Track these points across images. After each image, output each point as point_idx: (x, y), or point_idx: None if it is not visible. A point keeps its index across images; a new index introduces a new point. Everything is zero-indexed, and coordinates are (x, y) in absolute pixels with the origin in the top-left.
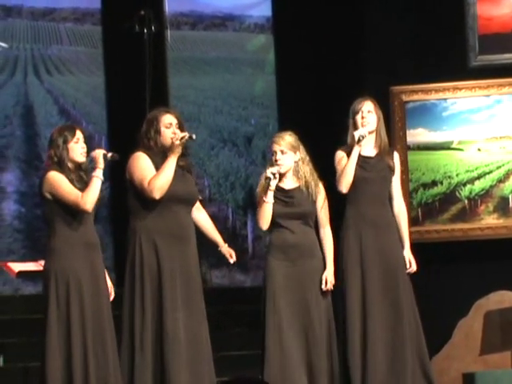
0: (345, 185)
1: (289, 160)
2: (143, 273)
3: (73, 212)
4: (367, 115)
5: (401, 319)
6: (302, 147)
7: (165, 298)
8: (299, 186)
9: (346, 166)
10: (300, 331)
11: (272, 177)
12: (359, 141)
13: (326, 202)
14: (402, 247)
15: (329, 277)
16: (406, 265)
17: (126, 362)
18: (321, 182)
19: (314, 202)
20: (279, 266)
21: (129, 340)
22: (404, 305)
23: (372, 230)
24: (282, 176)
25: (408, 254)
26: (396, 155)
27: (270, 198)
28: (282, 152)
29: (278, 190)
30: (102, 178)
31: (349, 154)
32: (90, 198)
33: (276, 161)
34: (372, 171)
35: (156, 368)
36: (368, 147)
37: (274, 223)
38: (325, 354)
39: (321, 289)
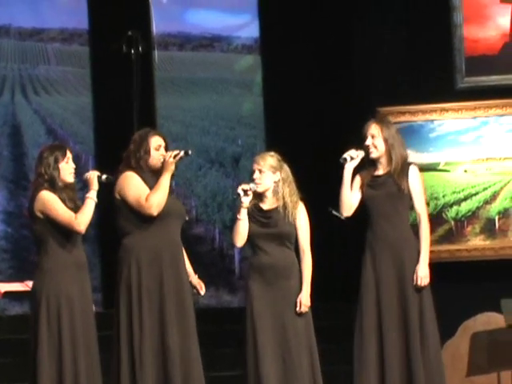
0: (343, 209)
1: (267, 180)
2: (141, 290)
3: (65, 232)
4: (371, 141)
5: (412, 340)
6: (285, 168)
7: (165, 314)
8: (277, 207)
9: (340, 191)
10: (277, 354)
11: (242, 193)
12: (343, 164)
13: (307, 223)
14: (417, 263)
15: (303, 299)
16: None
17: (128, 380)
18: (302, 203)
19: (292, 223)
20: (257, 288)
21: (128, 358)
22: (415, 325)
23: (385, 247)
24: (261, 196)
25: (418, 268)
26: (413, 169)
27: (242, 215)
28: (260, 171)
29: (257, 209)
30: (95, 199)
31: (365, 177)
32: (84, 219)
33: (253, 179)
34: (379, 189)
35: (159, 382)
36: (381, 168)
37: (253, 244)
38: (305, 376)
39: (296, 310)
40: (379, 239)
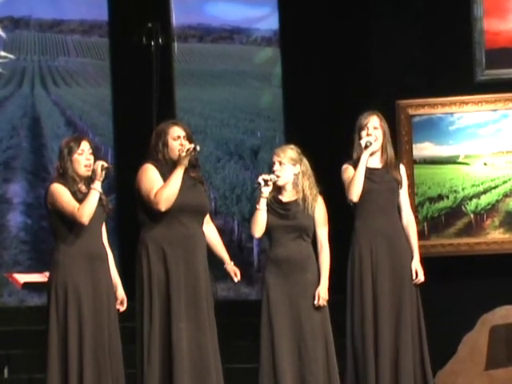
0: (355, 193)
1: (287, 172)
2: (151, 284)
3: (72, 224)
4: (373, 131)
5: (404, 331)
6: (304, 161)
7: (171, 309)
8: (297, 199)
9: (355, 175)
10: (293, 346)
11: (263, 183)
12: (366, 147)
13: (326, 216)
14: (412, 258)
15: (321, 293)
16: (412, 276)
17: (140, 374)
18: (321, 197)
19: (311, 216)
20: (273, 280)
21: (140, 351)
22: (408, 318)
23: (382, 241)
24: (281, 188)
25: (416, 264)
26: (402, 168)
27: (262, 206)
28: (280, 163)
29: (276, 202)
30: (99, 189)
31: (355, 168)
32: (86, 211)
33: (273, 171)
34: (379, 183)
35: (164, 379)
36: (374, 161)
37: (270, 236)
38: (320, 370)
39: (314, 303)
40: (376, 233)
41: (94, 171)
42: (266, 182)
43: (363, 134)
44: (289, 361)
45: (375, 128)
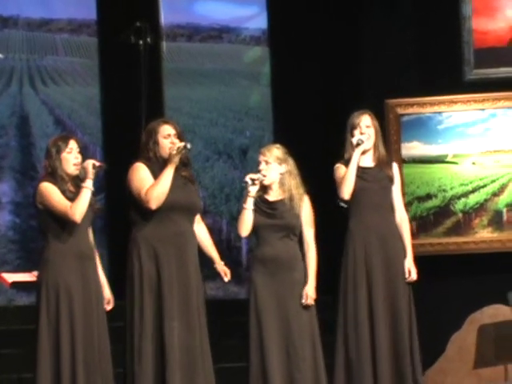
0: (346, 191)
1: (273, 171)
2: (142, 282)
3: (63, 223)
4: (366, 130)
5: (399, 329)
6: (290, 160)
7: (163, 308)
8: (283, 199)
9: (347, 172)
10: (281, 345)
11: (250, 182)
12: (358, 145)
13: (312, 215)
14: (405, 256)
15: (309, 292)
16: (405, 274)
17: (130, 373)
18: (307, 196)
19: (298, 216)
20: (260, 280)
21: (130, 351)
22: (403, 314)
23: (376, 239)
24: (267, 188)
25: (409, 263)
26: (395, 166)
27: (249, 205)
28: (267, 163)
29: (263, 201)
30: (91, 188)
31: (347, 167)
32: (78, 209)
33: (260, 170)
34: (372, 181)
35: (156, 378)
36: (367, 160)
37: (257, 235)
38: (307, 368)
39: (301, 302)
40: (371, 231)
41: (83, 170)
42: (253, 181)
43: (356, 132)
44: (278, 360)
45: (367, 127)
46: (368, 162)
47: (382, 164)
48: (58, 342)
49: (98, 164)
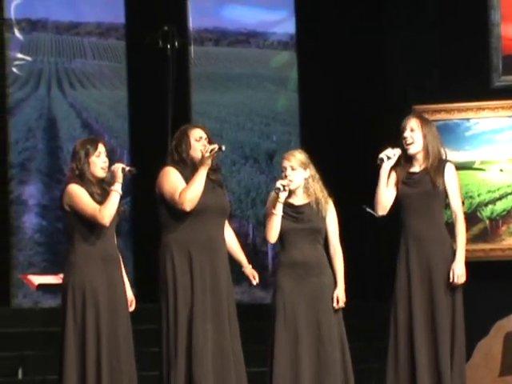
0: (379, 208)
1: (298, 177)
2: (176, 286)
3: (91, 225)
4: (409, 134)
5: (440, 341)
6: (311, 165)
7: (196, 311)
8: (309, 203)
9: (376, 191)
10: (310, 348)
11: (282, 188)
12: (381, 162)
13: (336, 218)
14: (452, 261)
15: (340, 295)
16: (449, 279)
17: (166, 376)
18: (331, 199)
19: (324, 219)
20: (288, 284)
21: (166, 354)
22: (444, 324)
23: (418, 246)
24: (291, 193)
25: (454, 266)
26: (449, 167)
27: (278, 211)
28: (292, 168)
29: (288, 206)
30: (120, 191)
31: (400, 174)
32: (107, 212)
33: (286, 176)
34: (414, 187)
35: (187, 381)
36: (416, 164)
37: (283, 240)
38: (338, 371)
39: (332, 306)
40: (412, 237)
41: (111, 173)
42: (283, 187)
43: (405, 134)
44: (307, 364)
45: (412, 130)
46: (418, 166)
47: (431, 168)
48: (83, 345)
49: (127, 168)
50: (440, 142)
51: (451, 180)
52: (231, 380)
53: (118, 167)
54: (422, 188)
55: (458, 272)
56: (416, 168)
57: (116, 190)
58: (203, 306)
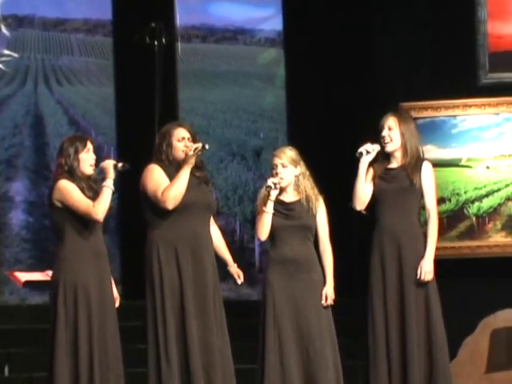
0: (357, 203)
1: (289, 174)
2: (162, 282)
3: (83, 221)
4: (387, 133)
5: (409, 337)
6: (302, 162)
7: (185, 307)
8: (300, 200)
9: (355, 184)
10: (300, 346)
11: (273, 186)
12: (358, 158)
13: (326, 216)
14: (422, 257)
15: (329, 292)
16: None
17: (154, 373)
18: (321, 197)
19: (314, 216)
20: (278, 281)
21: (155, 350)
22: (412, 320)
23: (392, 241)
24: (282, 190)
25: (422, 263)
26: (426, 166)
27: (269, 208)
28: (283, 165)
29: (279, 203)
30: (112, 187)
31: (377, 170)
32: (101, 208)
33: (277, 174)
34: (390, 182)
35: (182, 376)
36: (394, 161)
37: (274, 237)
38: (329, 367)
39: (321, 303)
40: (387, 233)
41: (102, 170)
42: (275, 185)
43: (383, 133)
44: (296, 361)
45: (390, 129)
46: (395, 163)
47: (408, 165)
48: (75, 341)
49: (120, 164)
50: (418, 139)
51: (427, 179)
52: (216, 376)
53: (109, 163)
54: (399, 184)
55: (426, 269)
56: (393, 164)
57: (108, 186)
58: (190, 302)
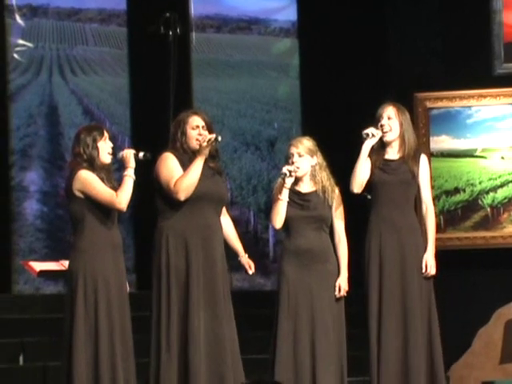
0: (355, 185)
1: (305, 164)
2: (169, 272)
3: (103, 212)
4: (386, 122)
5: (412, 326)
6: (319, 153)
7: (190, 297)
8: (316, 191)
9: (355, 166)
10: (313, 336)
11: (288, 173)
12: (365, 138)
13: (342, 207)
14: (424, 251)
15: (342, 283)
16: (422, 269)
17: (154, 362)
18: (337, 188)
19: (330, 207)
20: (293, 271)
21: (156, 340)
22: (416, 311)
23: (392, 233)
24: (298, 180)
25: (428, 257)
26: (423, 159)
27: (284, 196)
28: (299, 155)
29: (295, 193)
30: (133, 177)
31: (375, 160)
32: (124, 197)
33: (293, 163)
34: (392, 174)
35: (181, 367)
36: (392, 152)
37: (289, 227)
38: (335, 360)
39: (334, 294)
40: (387, 224)
41: (124, 159)
42: (290, 172)
43: (382, 122)
44: (309, 349)
45: (390, 118)
46: (393, 154)
47: (408, 157)
48: (96, 331)
49: (141, 153)
50: (413, 130)
51: (424, 172)
52: (226, 368)
53: (130, 153)
54: (401, 176)
55: (431, 262)
56: (391, 155)
57: (130, 175)
58: (197, 293)
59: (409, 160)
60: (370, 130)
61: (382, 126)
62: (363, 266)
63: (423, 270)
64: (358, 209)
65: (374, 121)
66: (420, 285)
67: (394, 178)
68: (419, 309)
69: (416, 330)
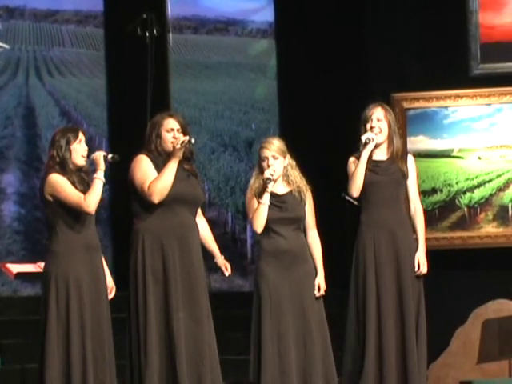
0: (354, 189)
1: (279, 165)
2: (145, 273)
3: (74, 214)
4: (377, 123)
5: (407, 324)
6: (287, 152)
7: (169, 299)
8: (291, 191)
9: (355, 171)
10: (297, 336)
11: (271, 178)
12: (366, 144)
13: (313, 205)
14: (416, 250)
15: (320, 283)
16: (415, 267)
17: (132, 364)
18: (309, 187)
19: (304, 207)
20: (273, 272)
21: (135, 341)
22: (410, 309)
23: (385, 233)
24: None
25: (419, 256)
26: (410, 158)
27: (266, 200)
28: (274, 157)
29: (271, 195)
30: (103, 179)
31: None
32: (93, 200)
33: (269, 166)
34: (383, 175)
35: (162, 368)
36: (380, 152)
37: (267, 229)
38: (320, 359)
39: (314, 294)
40: (381, 225)
41: (93, 161)
42: (272, 176)
43: (368, 126)
44: (295, 354)
45: (379, 120)
46: (381, 155)
47: (396, 157)
48: (67, 334)
49: (110, 155)
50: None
51: (412, 172)
52: (205, 366)
53: (100, 155)
54: (392, 176)
55: (423, 261)
56: (379, 156)
57: (99, 178)
58: (175, 294)
59: (397, 160)
60: (369, 135)
61: (372, 127)
62: (355, 267)
63: (416, 269)
64: (333, 208)
65: (361, 122)
66: (413, 284)
67: (385, 179)
68: (413, 306)
69: (410, 331)
